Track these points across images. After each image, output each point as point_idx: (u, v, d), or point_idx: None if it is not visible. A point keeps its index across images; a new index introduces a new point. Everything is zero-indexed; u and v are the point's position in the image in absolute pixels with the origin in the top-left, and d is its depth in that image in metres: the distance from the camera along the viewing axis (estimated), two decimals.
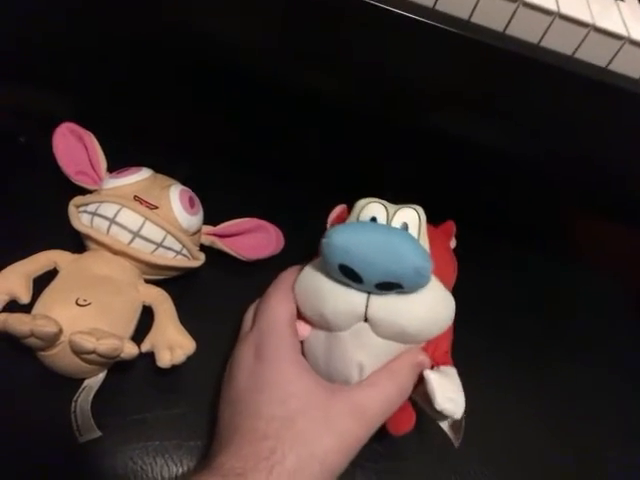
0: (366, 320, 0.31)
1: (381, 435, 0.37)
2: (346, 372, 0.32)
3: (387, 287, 0.29)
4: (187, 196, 0.39)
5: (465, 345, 0.43)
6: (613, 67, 0.36)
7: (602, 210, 0.57)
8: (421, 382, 0.32)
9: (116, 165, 0.41)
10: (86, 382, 0.34)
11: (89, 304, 0.33)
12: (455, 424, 0.33)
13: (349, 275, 0.29)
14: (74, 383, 0.34)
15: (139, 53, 0.49)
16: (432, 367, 0.33)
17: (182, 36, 0.46)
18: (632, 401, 0.47)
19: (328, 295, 0.31)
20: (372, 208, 0.32)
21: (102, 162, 0.41)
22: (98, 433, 0.33)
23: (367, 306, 0.30)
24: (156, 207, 0.37)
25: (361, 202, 0.32)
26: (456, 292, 0.35)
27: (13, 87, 0.50)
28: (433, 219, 0.35)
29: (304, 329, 0.33)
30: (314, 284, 0.32)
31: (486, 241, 0.54)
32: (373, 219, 0.31)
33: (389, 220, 0.31)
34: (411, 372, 0.32)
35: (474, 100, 0.40)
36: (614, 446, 0.44)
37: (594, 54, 0.35)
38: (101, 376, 0.35)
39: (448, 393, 0.31)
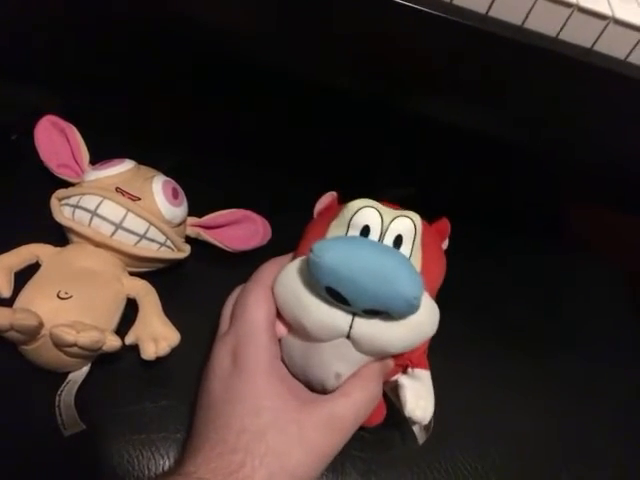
0: (348, 337, 0.30)
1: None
2: (323, 378, 0.32)
3: (374, 313, 0.28)
4: (170, 187, 0.39)
5: (460, 337, 0.44)
6: (598, 48, 0.35)
7: (599, 196, 0.56)
8: (395, 382, 0.32)
9: (101, 158, 0.41)
10: (70, 376, 0.34)
11: (71, 297, 0.33)
12: (423, 425, 0.33)
13: (335, 297, 0.28)
14: (59, 377, 0.34)
15: (125, 45, 0.49)
16: (406, 368, 0.32)
17: (169, 26, 0.45)
18: (635, 389, 0.47)
19: (310, 308, 0.30)
20: (365, 215, 0.30)
21: (84, 154, 0.40)
22: (82, 427, 0.33)
23: (351, 327, 0.29)
24: (138, 198, 0.37)
25: (354, 205, 0.30)
26: (450, 281, 0.34)
27: (5, 83, 0.50)
28: (425, 207, 0.35)
29: (282, 330, 0.32)
30: (295, 292, 0.30)
31: (481, 230, 0.53)
32: (366, 228, 0.30)
33: (383, 231, 0.30)
34: (380, 376, 0.32)
35: (460, 84, 0.40)
36: (614, 441, 0.43)
37: (578, 35, 0.35)
38: (85, 369, 0.34)
39: (419, 401, 0.31)
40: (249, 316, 0.31)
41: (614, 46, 0.35)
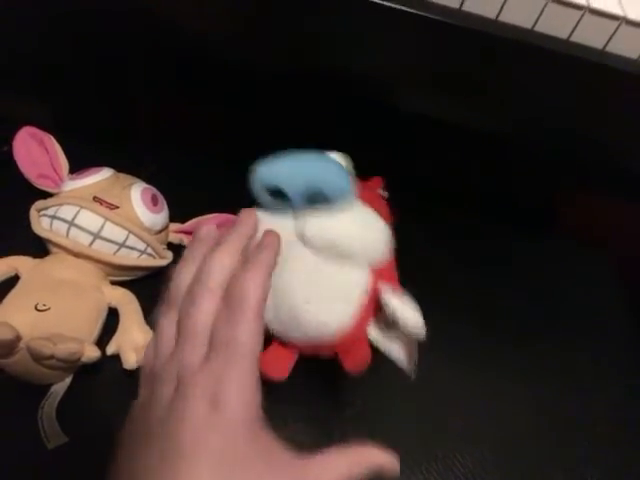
0: (304, 242, 0.32)
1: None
2: (296, 309, 0.32)
3: (315, 200, 0.32)
4: (150, 194, 0.39)
5: (449, 325, 0.43)
6: (610, 49, 0.35)
7: (587, 183, 0.55)
8: (381, 312, 0.32)
9: (83, 167, 0.41)
10: (52, 388, 0.34)
11: (49, 309, 0.33)
12: (410, 352, 0.32)
13: (276, 196, 0.32)
14: (41, 389, 0.34)
15: (102, 50, 0.49)
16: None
17: (147, 29, 0.45)
18: (618, 375, 0.46)
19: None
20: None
21: (63, 164, 0.40)
22: (65, 439, 0.33)
23: (304, 225, 0.32)
24: (117, 207, 0.37)
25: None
26: (436, 269, 0.34)
27: None
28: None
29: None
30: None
31: (466, 217, 0.53)
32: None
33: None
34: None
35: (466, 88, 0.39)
36: (603, 423, 0.43)
37: (590, 36, 0.34)
38: (67, 381, 0.34)
39: (409, 308, 0.31)
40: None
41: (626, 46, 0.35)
